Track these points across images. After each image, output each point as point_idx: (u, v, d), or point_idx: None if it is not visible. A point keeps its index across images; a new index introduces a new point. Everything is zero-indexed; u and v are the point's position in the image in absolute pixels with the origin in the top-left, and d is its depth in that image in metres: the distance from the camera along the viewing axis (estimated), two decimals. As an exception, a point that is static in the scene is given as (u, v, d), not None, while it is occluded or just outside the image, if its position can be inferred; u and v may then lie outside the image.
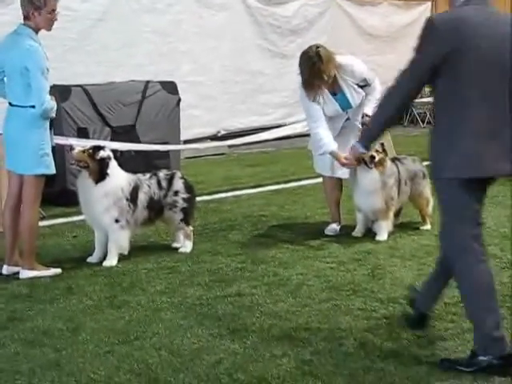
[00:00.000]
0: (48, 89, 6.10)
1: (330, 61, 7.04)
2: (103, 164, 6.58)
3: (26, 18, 6.15)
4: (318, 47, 7.06)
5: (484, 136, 4.26)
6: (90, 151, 6.60)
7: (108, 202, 6.56)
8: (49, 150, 6.22)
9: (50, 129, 6.25)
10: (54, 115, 6.23)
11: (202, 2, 13.40)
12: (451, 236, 4.46)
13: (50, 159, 6.23)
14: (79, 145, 7.09)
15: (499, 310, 4.48)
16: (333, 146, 7.11)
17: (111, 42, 11.99)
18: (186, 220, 7.03)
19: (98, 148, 6.69)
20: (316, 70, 6.98)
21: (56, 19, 6.24)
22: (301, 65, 7.09)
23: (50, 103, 6.09)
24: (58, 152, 8.44)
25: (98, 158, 6.57)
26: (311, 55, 7.00)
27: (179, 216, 6.98)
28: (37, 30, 6.16)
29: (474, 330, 4.44)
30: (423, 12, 17.74)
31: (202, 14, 13.37)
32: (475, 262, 4.40)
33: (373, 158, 7.10)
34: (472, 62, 4.21)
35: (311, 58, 6.99)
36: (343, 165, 6.97)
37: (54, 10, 6.18)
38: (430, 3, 17.78)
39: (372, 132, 4.74)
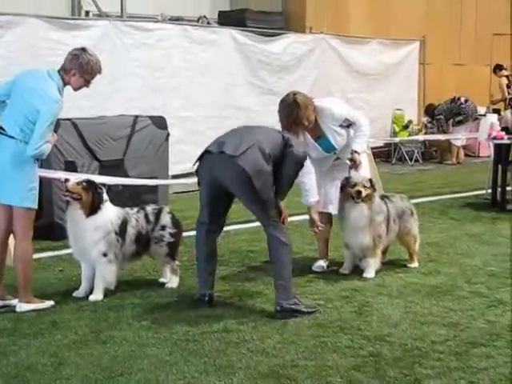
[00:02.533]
0: (47, 138, 6.04)
1: (308, 107, 7.04)
2: (96, 197, 6.58)
3: (64, 70, 6.19)
4: (295, 94, 7.07)
5: None
6: (85, 184, 6.61)
7: (98, 235, 6.54)
8: (37, 184, 6.19)
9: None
10: (44, 157, 6.25)
11: (193, 38, 13.48)
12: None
13: (36, 193, 6.19)
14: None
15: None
16: (312, 199, 7.04)
17: (101, 76, 11.99)
18: (172, 255, 7.02)
19: (92, 181, 6.71)
20: (294, 117, 6.97)
21: (87, 87, 6.34)
22: (279, 112, 7.10)
23: (43, 151, 6.03)
24: (46, 185, 8.45)
25: (92, 190, 6.57)
26: (289, 102, 7.01)
27: (165, 250, 6.98)
28: (65, 84, 6.21)
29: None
30: (411, 51, 17.91)
31: (192, 49, 13.42)
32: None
33: (359, 192, 7.11)
34: None
35: (289, 106, 6.99)
36: (312, 224, 7.12)
37: (90, 82, 6.25)
38: (418, 42, 17.94)
39: None
